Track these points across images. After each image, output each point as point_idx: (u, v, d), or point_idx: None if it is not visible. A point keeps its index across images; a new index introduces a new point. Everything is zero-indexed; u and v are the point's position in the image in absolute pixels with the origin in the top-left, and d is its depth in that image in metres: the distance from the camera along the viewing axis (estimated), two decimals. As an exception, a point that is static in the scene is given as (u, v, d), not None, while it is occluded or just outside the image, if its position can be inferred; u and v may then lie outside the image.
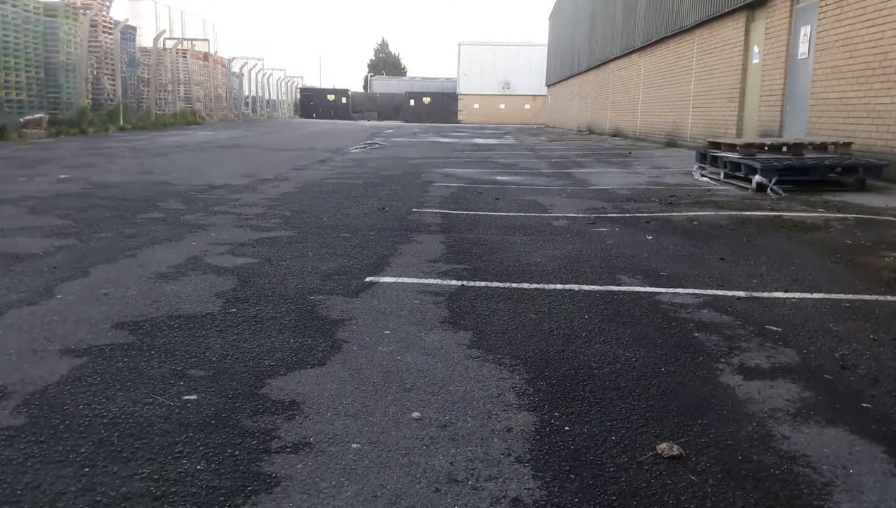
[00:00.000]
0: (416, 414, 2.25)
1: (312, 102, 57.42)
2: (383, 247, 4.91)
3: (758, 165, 8.09)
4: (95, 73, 21.77)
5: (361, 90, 66.85)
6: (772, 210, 6.79)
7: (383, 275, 4.08)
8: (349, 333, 3.05)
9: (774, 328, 3.20)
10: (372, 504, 1.75)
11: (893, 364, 2.79)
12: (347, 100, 57.81)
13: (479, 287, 3.87)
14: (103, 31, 22.28)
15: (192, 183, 8.54)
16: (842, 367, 2.73)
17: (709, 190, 8.50)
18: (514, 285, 3.91)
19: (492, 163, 12.64)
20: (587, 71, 30.23)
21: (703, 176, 9.87)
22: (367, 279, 3.99)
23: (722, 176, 9.14)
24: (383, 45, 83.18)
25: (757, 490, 1.86)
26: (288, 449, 2.01)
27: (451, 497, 1.79)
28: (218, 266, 4.23)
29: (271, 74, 49.28)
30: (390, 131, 29.35)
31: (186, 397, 2.35)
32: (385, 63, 78.70)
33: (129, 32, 24.51)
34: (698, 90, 16.45)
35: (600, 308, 3.50)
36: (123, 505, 1.72)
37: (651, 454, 2.02)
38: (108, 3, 23.72)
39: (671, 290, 3.85)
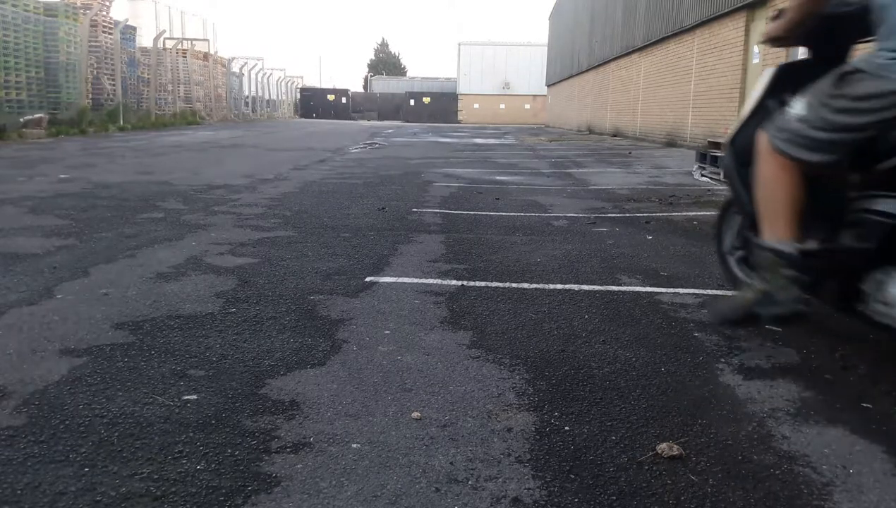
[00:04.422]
0: (416, 414, 2.25)
1: (312, 102, 57.42)
2: (383, 246, 4.91)
3: (758, 165, 8.07)
4: (95, 72, 21.76)
5: (361, 90, 66.87)
6: (772, 210, 6.78)
7: (383, 275, 4.08)
8: (349, 333, 3.05)
9: (774, 328, 3.20)
10: (372, 504, 1.75)
11: (893, 364, 2.79)
12: (347, 100, 57.81)
13: (480, 287, 3.87)
14: (103, 31, 22.28)
15: (192, 183, 8.55)
16: (842, 367, 2.73)
17: (709, 190, 8.50)
18: (514, 285, 3.91)
19: (492, 163, 12.64)
20: (587, 71, 30.23)
21: (703, 176, 9.87)
22: (367, 279, 3.99)
23: (722, 176, 9.14)
24: (383, 45, 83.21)
25: (757, 490, 1.86)
26: (288, 449, 2.01)
27: (451, 497, 1.79)
28: (218, 266, 4.23)
29: (271, 74, 49.28)
30: (390, 131, 29.35)
31: (186, 397, 2.34)
32: (385, 63, 78.70)
33: (129, 32, 24.51)
34: (698, 90, 16.45)
35: (600, 308, 3.50)
36: (123, 505, 1.72)
37: (651, 454, 2.02)
38: (108, 3, 23.71)
39: (671, 290, 3.85)
